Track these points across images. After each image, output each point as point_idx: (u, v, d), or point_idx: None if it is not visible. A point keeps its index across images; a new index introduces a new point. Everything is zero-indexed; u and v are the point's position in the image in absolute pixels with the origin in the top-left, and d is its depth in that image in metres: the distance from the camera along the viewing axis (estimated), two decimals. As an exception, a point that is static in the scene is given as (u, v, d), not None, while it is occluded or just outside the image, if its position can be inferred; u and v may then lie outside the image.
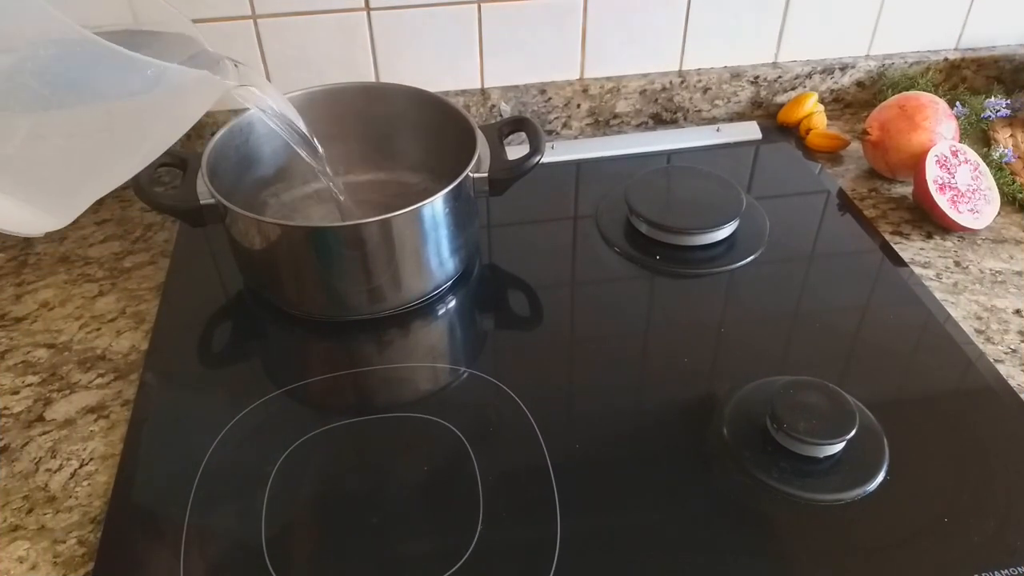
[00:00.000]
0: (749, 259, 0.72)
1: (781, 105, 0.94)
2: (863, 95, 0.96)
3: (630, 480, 0.53)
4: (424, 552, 0.49)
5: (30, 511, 0.53)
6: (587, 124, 0.92)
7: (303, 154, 0.63)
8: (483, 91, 0.88)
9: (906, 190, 0.81)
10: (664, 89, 0.91)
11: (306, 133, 0.62)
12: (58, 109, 0.41)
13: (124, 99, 0.42)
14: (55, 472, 0.55)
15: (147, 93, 0.43)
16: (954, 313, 0.66)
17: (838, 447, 0.53)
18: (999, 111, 0.86)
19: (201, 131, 0.84)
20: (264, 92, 0.57)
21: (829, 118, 0.92)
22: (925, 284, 0.69)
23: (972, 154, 0.77)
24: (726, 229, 0.73)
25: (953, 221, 0.73)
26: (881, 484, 0.52)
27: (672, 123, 0.94)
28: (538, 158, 0.66)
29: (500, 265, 0.73)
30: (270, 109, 0.58)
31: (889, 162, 0.81)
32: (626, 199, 0.75)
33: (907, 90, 0.87)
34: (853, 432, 0.52)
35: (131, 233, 0.77)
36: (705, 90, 0.92)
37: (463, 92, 0.88)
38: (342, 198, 0.68)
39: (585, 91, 0.89)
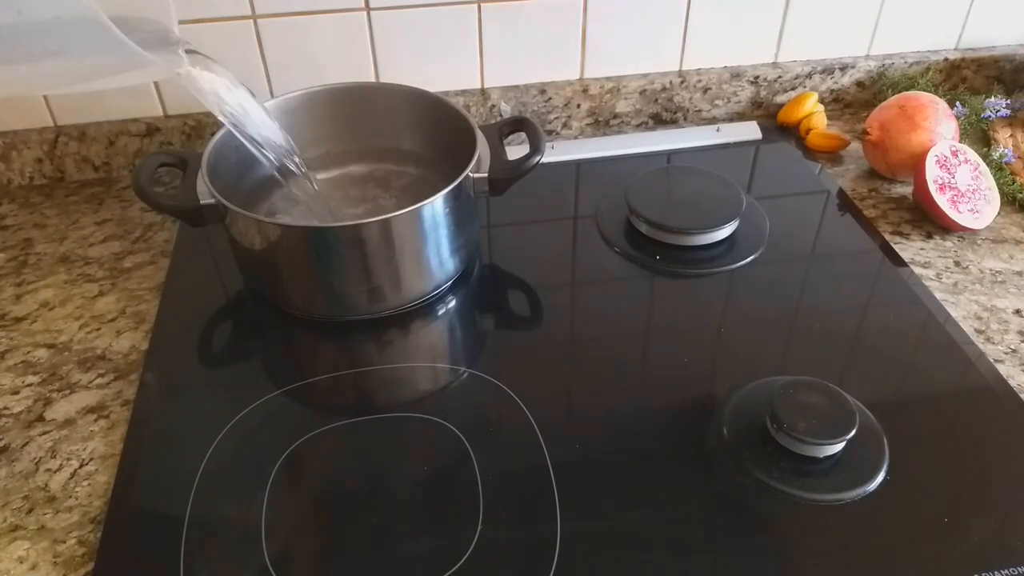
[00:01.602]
0: (749, 259, 0.72)
1: (781, 105, 0.94)
2: (863, 95, 0.96)
3: (630, 480, 0.53)
4: (424, 552, 0.49)
5: (30, 511, 0.53)
6: (587, 124, 0.92)
7: (252, 148, 0.62)
8: (483, 91, 0.88)
9: (906, 190, 0.81)
10: (664, 89, 0.91)
11: (258, 125, 0.61)
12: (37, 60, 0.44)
13: (92, 64, 0.45)
14: (55, 472, 0.55)
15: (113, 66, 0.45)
16: (954, 313, 0.66)
17: (838, 447, 0.53)
18: (999, 111, 0.86)
19: (201, 131, 0.84)
20: (218, 78, 0.58)
21: (829, 118, 0.92)
22: (925, 284, 0.69)
23: (972, 154, 0.77)
24: (726, 229, 0.73)
25: (953, 221, 0.73)
26: (881, 484, 0.52)
27: (672, 123, 0.94)
28: (538, 158, 0.66)
29: (500, 265, 0.73)
30: (217, 98, 0.58)
31: (889, 162, 0.81)
32: (626, 199, 0.75)
33: (907, 90, 0.87)
34: (853, 432, 0.52)
35: (131, 233, 0.77)
36: (705, 90, 0.92)
37: (463, 92, 0.88)
38: (299, 193, 0.67)
39: (585, 91, 0.89)
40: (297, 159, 0.64)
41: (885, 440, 0.55)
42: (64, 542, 0.51)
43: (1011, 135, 0.85)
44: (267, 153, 0.63)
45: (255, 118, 0.61)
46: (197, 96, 0.57)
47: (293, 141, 0.64)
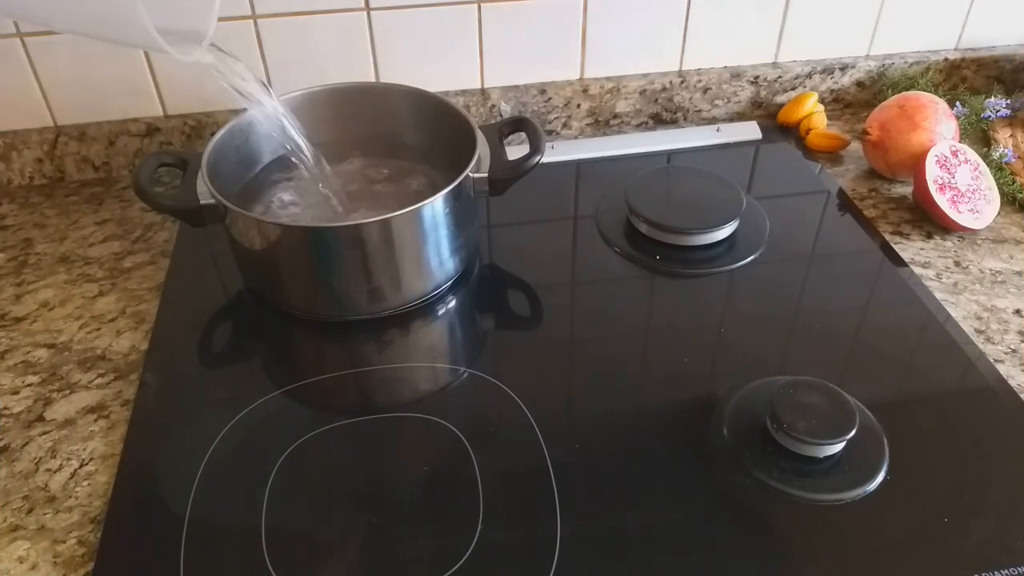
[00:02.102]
0: (749, 259, 0.72)
1: (781, 105, 0.94)
2: (863, 95, 0.96)
3: (630, 480, 0.53)
4: (424, 552, 0.49)
5: (30, 511, 0.53)
6: (587, 124, 0.92)
7: (273, 133, 0.65)
8: (483, 91, 0.88)
9: (906, 190, 0.81)
10: (664, 89, 0.91)
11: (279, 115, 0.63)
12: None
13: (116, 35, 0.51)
14: (55, 472, 0.55)
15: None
16: (954, 313, 0.66)
17: (838, 447, 0.53)
18: (999, 111, 0.86)
19: (201, 131, 0.84)
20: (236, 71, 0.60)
21: (829, 118, 0.92)
22: (925, 284, 0.69)
23: (972, 154, 0.77)
24: (726, 229, 0.73)
25: (953, 221, 0.73)
26: (881, 484, 0.52)
27: (672, 123, 0.94)
28: (538, 158, 0.66)
29: (500, 265, 0.73)
30: (238, 89, 0.60)
31: (889, 162, 0.81)
32: (626, 199, 0.75)
33: (907, 90, 0.87)
34: (853, 432, 0.52)
35: (131, 233, 0.77)
36: (705, 90, 0.92)
37: (463, 92, 0.88)
38: (320, 187, 0.69)
39: (585, 91, 0.89)
40: (310, 153, 0.65)
41: (885, 440, 0.54)
42: (64, 542, 0.51)
43: (1011, 135, 0.85)
44: (287, 142, 0.64)
45: (273, 113, 0.62)
46: (218, 77, 0.59)
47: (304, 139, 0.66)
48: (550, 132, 0.92)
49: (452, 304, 0.68)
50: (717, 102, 0.93)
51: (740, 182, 0.79)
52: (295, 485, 0.53)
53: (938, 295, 0.68)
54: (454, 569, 0.48)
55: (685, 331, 0.65)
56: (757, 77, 0.92)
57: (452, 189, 0.61)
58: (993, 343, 0.64)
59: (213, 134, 0.66)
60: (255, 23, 0.79)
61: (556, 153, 0.86)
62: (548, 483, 0.52)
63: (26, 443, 0.57)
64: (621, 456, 0.55)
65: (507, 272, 0.72)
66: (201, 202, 0.62)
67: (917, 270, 0.71)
